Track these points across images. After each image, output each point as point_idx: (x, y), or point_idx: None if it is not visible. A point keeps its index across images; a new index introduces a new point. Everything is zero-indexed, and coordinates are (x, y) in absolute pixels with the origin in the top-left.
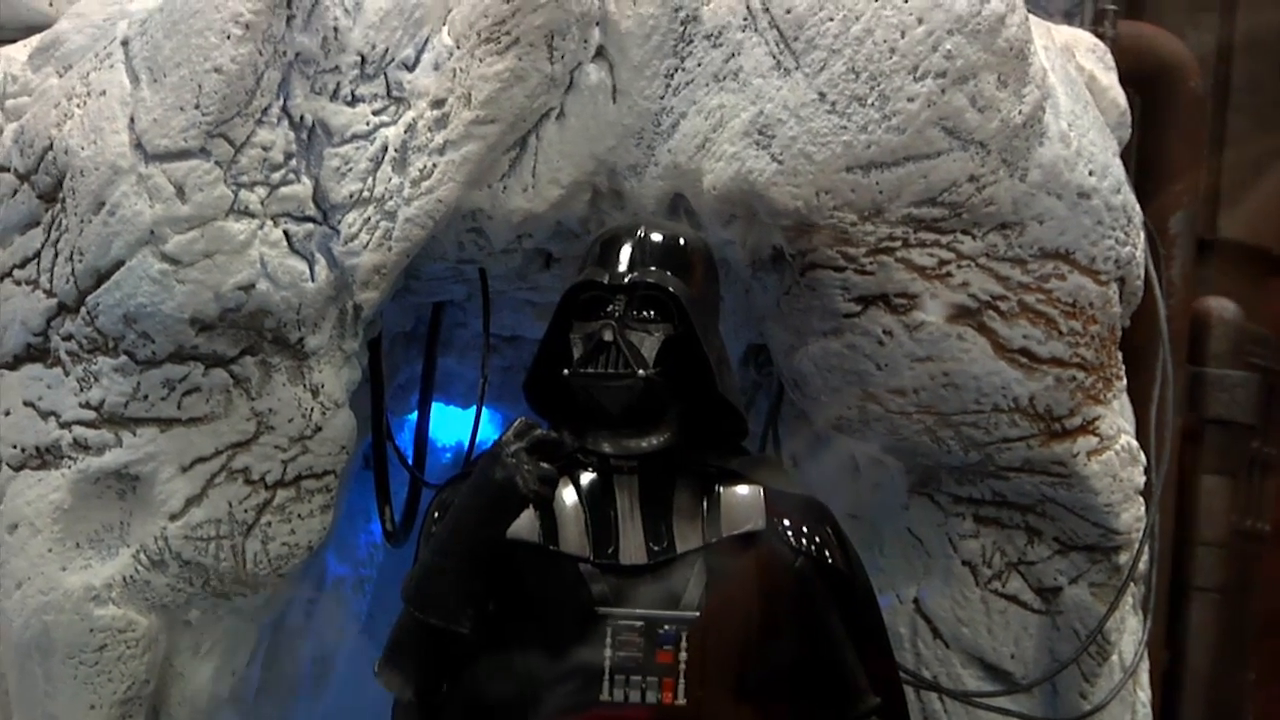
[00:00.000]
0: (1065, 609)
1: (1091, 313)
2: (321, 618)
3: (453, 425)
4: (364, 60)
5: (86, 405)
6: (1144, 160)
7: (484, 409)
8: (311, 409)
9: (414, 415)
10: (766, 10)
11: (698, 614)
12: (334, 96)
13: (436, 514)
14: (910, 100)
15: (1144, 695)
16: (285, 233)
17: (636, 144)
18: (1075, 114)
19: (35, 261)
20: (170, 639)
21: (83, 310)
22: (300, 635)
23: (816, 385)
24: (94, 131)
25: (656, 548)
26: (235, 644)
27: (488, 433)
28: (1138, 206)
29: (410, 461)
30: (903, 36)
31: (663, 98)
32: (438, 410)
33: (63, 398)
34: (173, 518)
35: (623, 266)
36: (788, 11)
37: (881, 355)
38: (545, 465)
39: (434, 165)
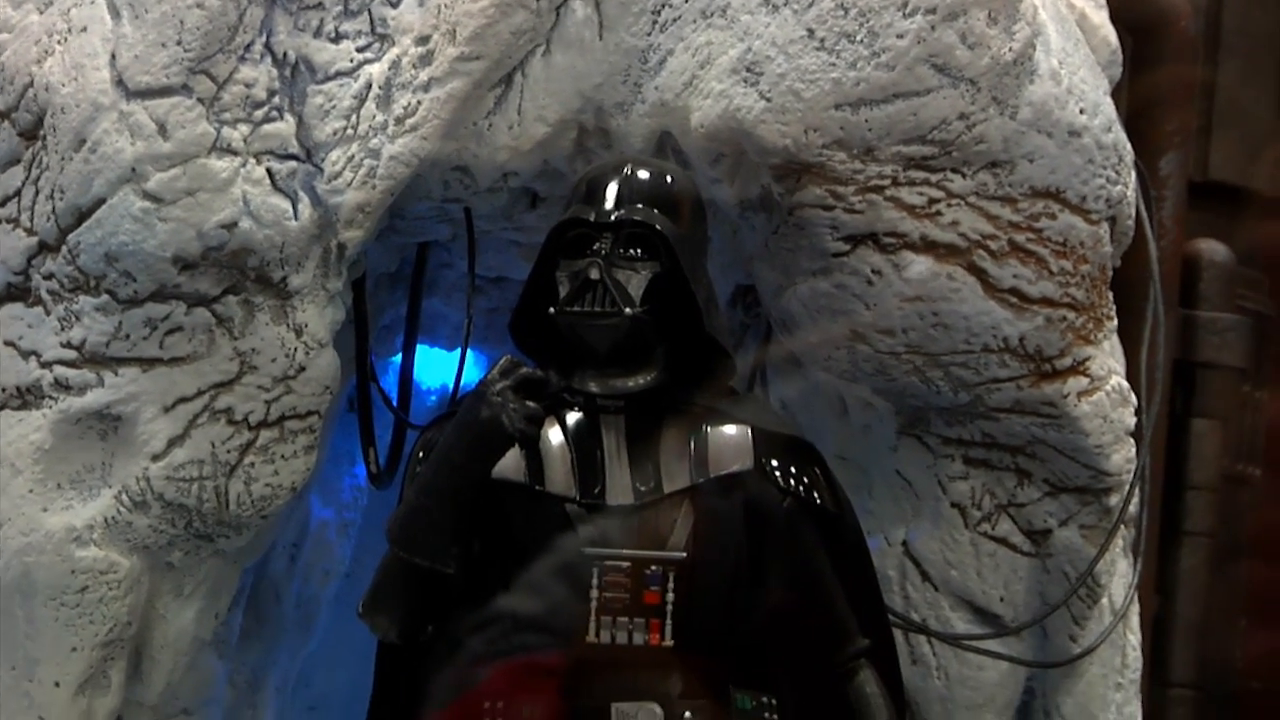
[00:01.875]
0: (1055, 551)
1: (1082, 252)
2: (305, 561)
3: (437, 367)
4: None
5: (68, 345)
6: (1135, 101)
7: (469, 350)
8: (295, 349)
9: (398, 357)
10: None
11: (685, 555)
12: (317, 33)
13: (421, 454)
14: (900, 37)
15: (1134, 639)
16: (268, 170)
17: (623, 81)
18: (1066, 52)
19: (15, 200)
20: (153, 581)
21: (64, 249)
22: (284, 579)
23: (805, 326)
24: (75, 68)
25: (643, 488)
26: (218, 587)
27: (473, 375)
28: (1129, 146)
29: (395, 403)
30: None
31: (649, 34)
32: (422, 352)
33: (44, 337)
34: (155, 458)
35: (609, 204)
36: None
37: (870, 295)
38: (531, 404)
39: (418, 103)
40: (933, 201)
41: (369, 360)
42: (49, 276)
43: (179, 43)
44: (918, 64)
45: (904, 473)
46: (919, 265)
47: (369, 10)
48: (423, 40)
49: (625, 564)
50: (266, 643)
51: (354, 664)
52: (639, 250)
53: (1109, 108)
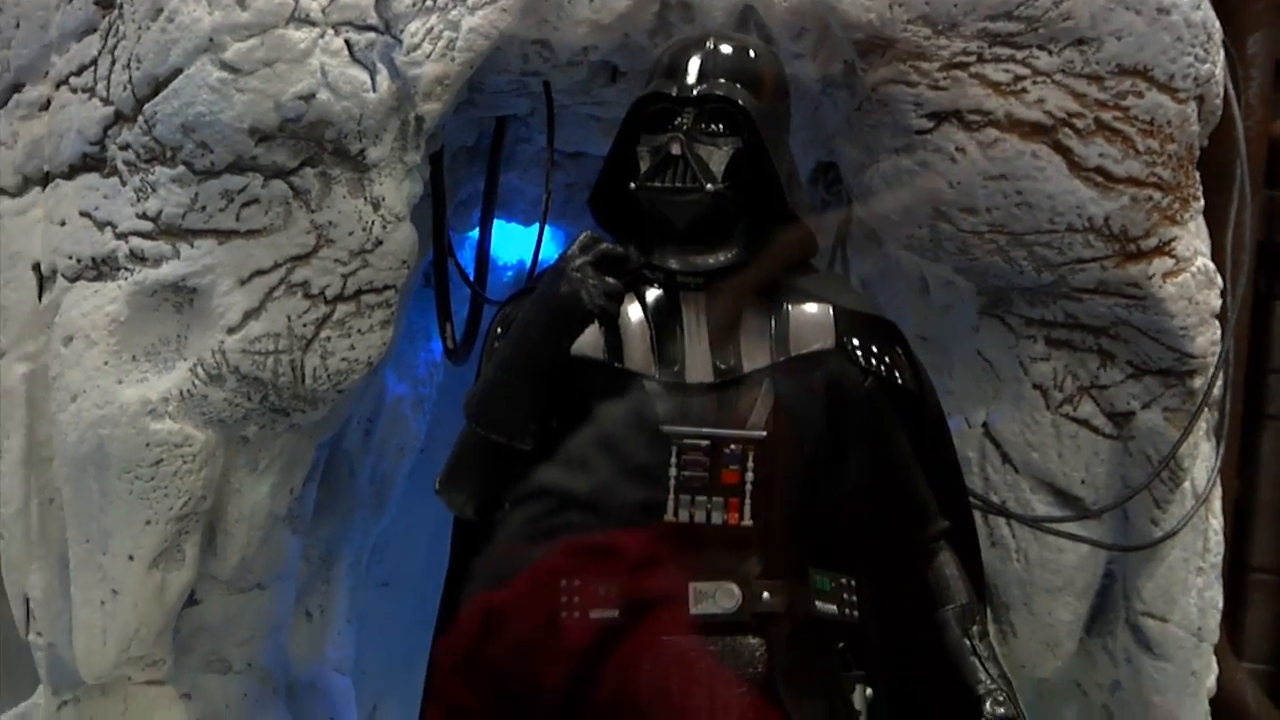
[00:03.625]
0: (1137, 434)
1: (1169, 131)
2: (380, 437)
3: (514, 243)
4: None
5: (143, 216)
6: None
7: (547, 226)
8: (372, 222)
9: (475, 232)
10: None
11: (764, 434)
12: None
13: (499, 329)
14: None
15: (1216, 523)
16: (346, 41)
17: None
18: None
19: (92, 69)
20: (227, 455)
21: (140, 119)
22: (358, 454)
23: (887, 203)
24: None
25: (723, 366)
26: (293, 461)
27: (550, 251)
28: (1217, 24)
29: (471, 279)
30: None
31: None
32: (499, 227)
33: (119, 208)
34: (230, 331)
35: (691, 79)
36: None
37: (953, 173)
38: (611, 280)
39: None
40: (1018, 79)
41: (446, 235)
42: (125, 147)
43: None
44: None
45: (985, 353)
46: (1004, 143)
47: None
48: None
49: (704, 443)
50: (340, 518)
51: (428, 541)
52: (721, 125)
53: None
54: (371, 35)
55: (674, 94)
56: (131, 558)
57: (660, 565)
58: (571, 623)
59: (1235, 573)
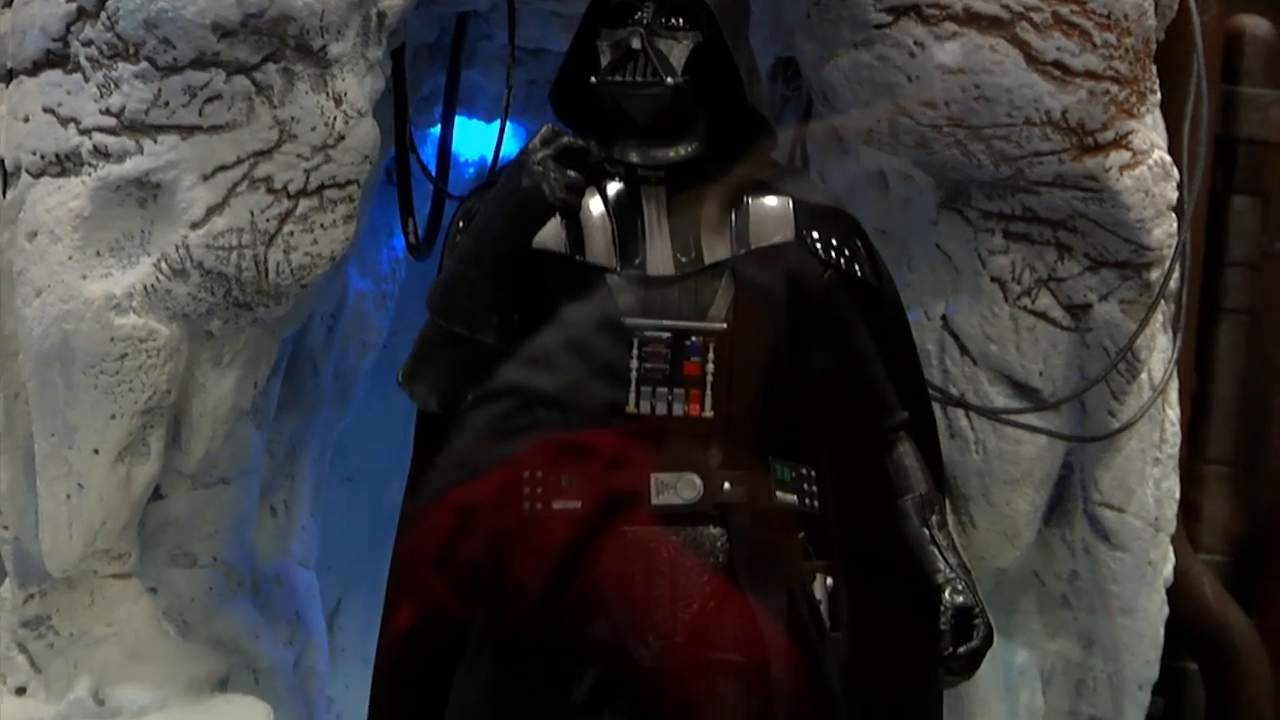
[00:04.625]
0: (1095, 326)
1: (1126, 25)
2: (343, 333)
3: (476, 139)
4: None
5: (107, 112)
6: None
7: (508, 122)
8: (334, 118)
9: (437, 129)
10: None
11: (725, 325)
12: None
13: (461, 223)
14: None
15: (1173, 414)
16: None
17: None
18: None
19: None
20: (192, 350)
21: (103, 15)
22: (322, 350)
23: (846, 98)
24: None
25: (684, 259)
26: (257, 356)
27: (511, 147)
28: None
29: (434, 174)
30: None
31: None
32: (461, 124)
33: (83, 104)
34: (194, 226)
35: None
36: None
37: (912, 67)
38: (572, 173)
39: None
40: None
41: (408, 131)
42: (88, 43)
43: None
44: None
45: (944, 247)
46: (962, 38)
47: None
48: None
49: (665, 335)
50: (304, 413)
51: (391, 437)
52: (680, 20)
53: None
54: None
55: None
56: (97, 451)
57: (622, 457)
58: (534, 515)
59: (1192, 466)
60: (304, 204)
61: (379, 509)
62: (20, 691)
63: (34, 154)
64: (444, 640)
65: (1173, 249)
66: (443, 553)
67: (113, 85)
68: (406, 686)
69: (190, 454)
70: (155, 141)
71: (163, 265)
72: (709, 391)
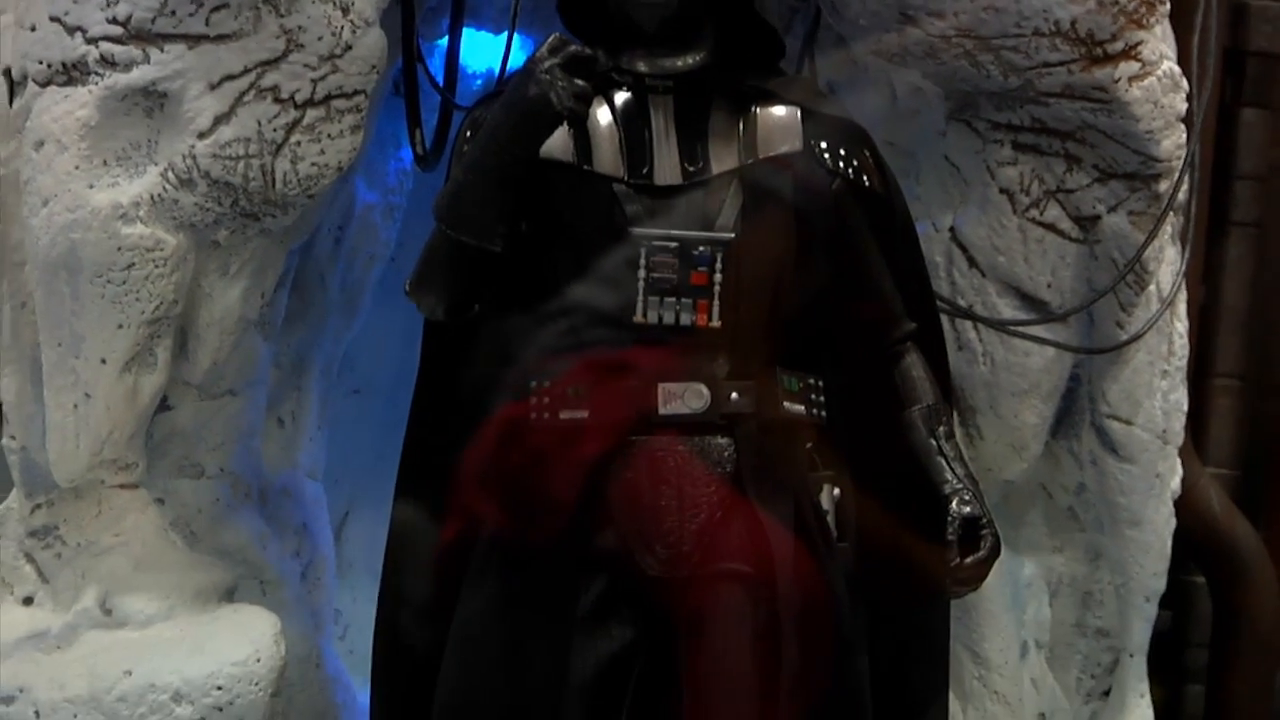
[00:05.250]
0: (1103, 237)
1: None
2: (350, 245)
3: (483, 50)
4: None
5: (113, 21)
6: None
7: (515, 33)
8: (341, 27)
9: (445, 40)
10: None
11: (733, 235)
12: None
13: (469, 132)
14: None
15: (1181, 326)
16: None
17: None
18: None
19: None
20: (199, 260)
21: None
22: (329, 262)
23: (855, 9)
24: None
25: (691, 168)
26: (264, 267)
27: (518, 58)
28: None
29: (441, 85)
30: None
31: None
32: (468, 35)
33: (89, 13)
34: (201, 136)
35: None
36: None
37: None
38: (579, 81)
39: None
40: None
41: (415, 41)
42: None
43: None
44: None
45: (952, 158)
46: None
47: None
48: None
49: (673, 244)
50: (311, 325)
51: (398, 349)
52: None
53: None
54: None
55: None
56: (104, 361)
57: (629, 367)
58: (541, 424)
59: (1200, 379)
60: (311, 114)
61: (386, 421)
62: (27, 601)
63: (40, 63)
64: (451, 552)
65: (1181, 161)
66: (450, 464)
67: None
68: (414, 600)
69: (197, 364)
70: (162, 50)
71: (169, 175)
72: (716, 301)
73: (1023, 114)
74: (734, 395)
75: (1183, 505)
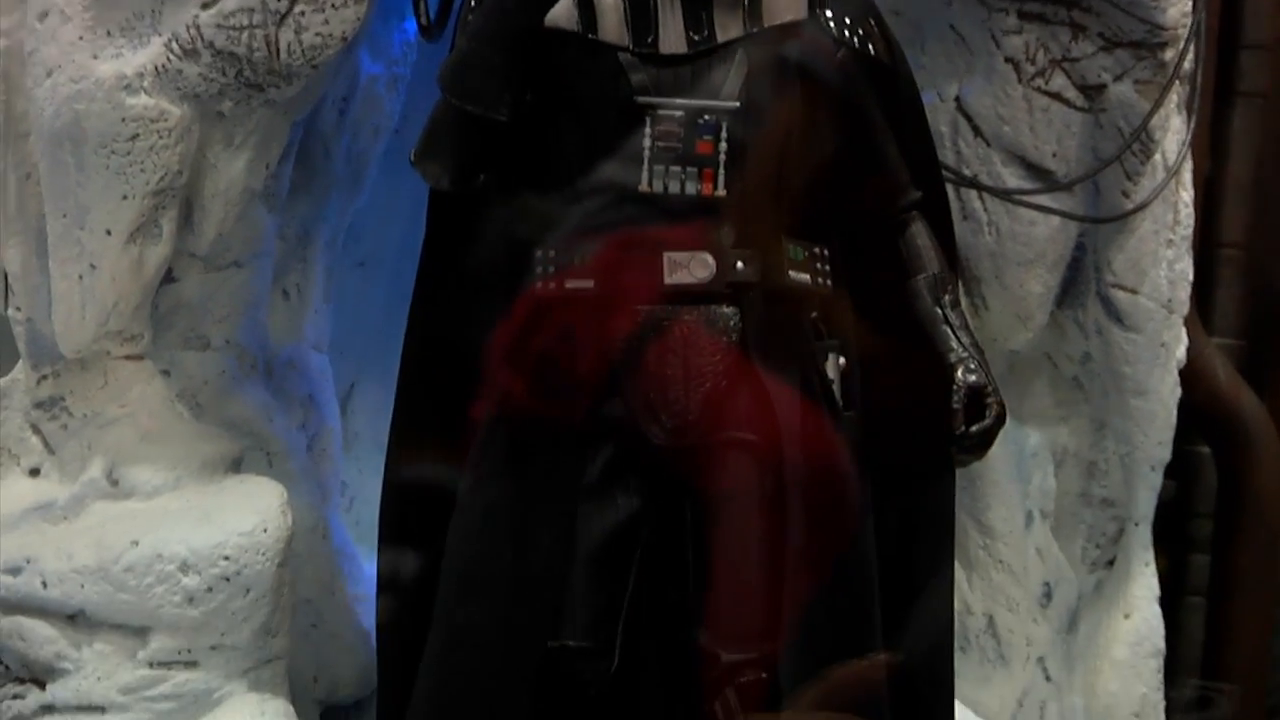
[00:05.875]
0: (1109, 106)
1: None
2: (354, 116)
3: None
4: None
5: None
6: None
7: None
8: None
9: None
10: None
11: (738, 104)
12: None
13: (473, 1)
14: None
15: (1186, 195)
16: None
17: None
18: None
19: None
20: (203, 130)
21: None
22: (333, 133)
23: None
24: None
25: (697, 37)
26: (268, 138)
27: None
28: None
29: None
30: None
31: None
32: None
33: None
34: (205, 6)
35: None
36: None
37: None
38: None
39: None
40: None
41: None
42: None
43: None
44: None
45: (958, 27)
46: None
47: None
48: None
49: (678, 113)
50: (316, 198)
51: (403, 222)
52: None
53: None
54: None
55: None
56: (109, 232)
57: (635, 236)
58: (547, 294)
59: (1205, 249)
60: None
61: (391, 293)
62: (34, 473)
63: None
64: (456, 424)
65: (1187, 29)
66: (455, 337)
67: None
68: (420, 473)
69: (202, 235)
70: None
71: (174, 45)
72: (722, 170)
73: None
74: (739, 264)
75: (1188, 375)
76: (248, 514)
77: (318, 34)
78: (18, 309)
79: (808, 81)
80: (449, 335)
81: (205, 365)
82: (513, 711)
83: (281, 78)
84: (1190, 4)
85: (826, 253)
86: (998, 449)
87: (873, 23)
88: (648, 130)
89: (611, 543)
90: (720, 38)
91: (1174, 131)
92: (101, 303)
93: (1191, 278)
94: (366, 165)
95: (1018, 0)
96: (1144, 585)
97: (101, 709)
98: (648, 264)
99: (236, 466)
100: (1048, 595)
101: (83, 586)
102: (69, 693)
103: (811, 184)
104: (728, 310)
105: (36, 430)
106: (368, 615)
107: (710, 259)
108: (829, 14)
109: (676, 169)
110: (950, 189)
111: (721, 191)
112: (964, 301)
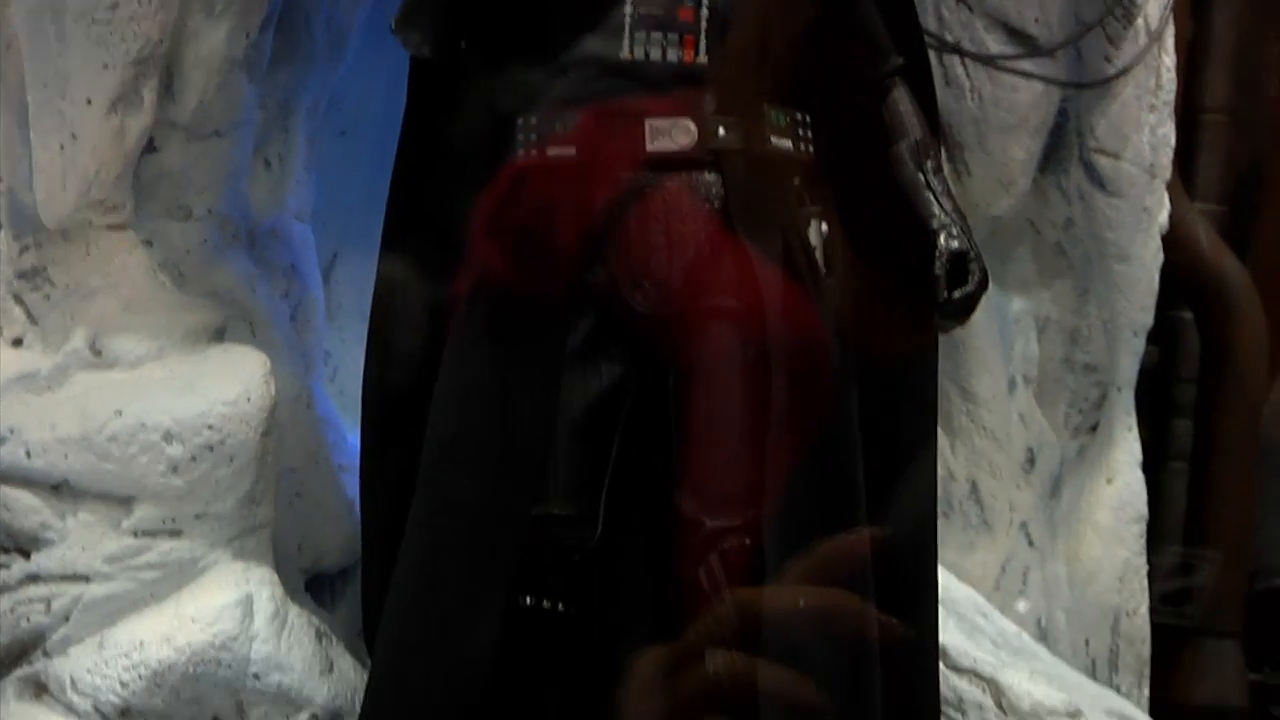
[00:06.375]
0: None
1: None
2: None
3: None
4: None
5: None
6: None
7: None
8: None
9: None
10: None
11: None
12: None
13: None
14: None
15: (1169, 60)
16: None
17: None
18: None
19: None
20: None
21: None
22: (314, 2)
23: None
24: None
25: None
26: (249, 6)
27: None
28: None
29: None
30: None
31: None
32: None
33: None
34: None
35: None
36: None
37: None
38: None
39: None
40: None
41: None
42: None
43: None
44: None
45: None
46: None
47: None
48: None
49: None
50: (297, 66)
51: (385, 91)
52: None
53: None
54: None
55: None
56: (89, 101)
57: (616, 103)
58: (528, 162)
59: (1187, 114)
60: None
61: (374, 162)
62: (17, 343)
63: None
64: (439, 294)
65: None
66: (437, 206)
67: None
68: (403, 345)
69: (183, 104)
70: None
71: None
72: (703, 37)
73: None
74: (721, 131)
75: (1170, 241)
76: (231, 383)
77: None
78: None
79: None
80: (430, 207)
81: (187, 235)
82: (496, 579)
83: None
84: None
85: (808, 119)
86: (980, 315)
87: None
88: None
89: (595, 411)
90: None
91: None
92: (83, 172)
93: (1174, 142)
94: (348, 33)
95: None
96: (1126, 450)
97: (86, 578)
98: (629, 131)
99: (220, 336)
100: (1031, 461)
101: (66, 456)
102: (54, 562)
103: (792, 50)
104: (710, 177)
105: (19, 300)
106: (352, 485)
107: (692, 125)
108: None
109: (658, 35)
110: (932, 55)
111: (703, 58)
112: (946, 168)
